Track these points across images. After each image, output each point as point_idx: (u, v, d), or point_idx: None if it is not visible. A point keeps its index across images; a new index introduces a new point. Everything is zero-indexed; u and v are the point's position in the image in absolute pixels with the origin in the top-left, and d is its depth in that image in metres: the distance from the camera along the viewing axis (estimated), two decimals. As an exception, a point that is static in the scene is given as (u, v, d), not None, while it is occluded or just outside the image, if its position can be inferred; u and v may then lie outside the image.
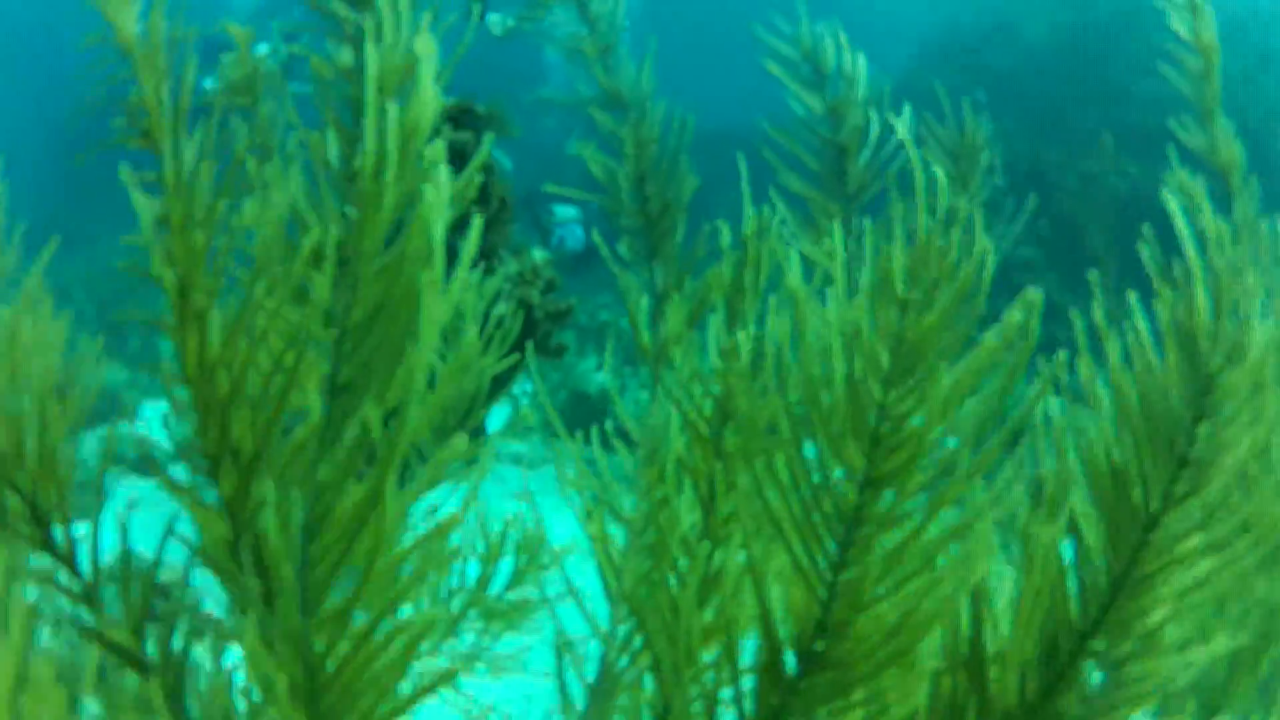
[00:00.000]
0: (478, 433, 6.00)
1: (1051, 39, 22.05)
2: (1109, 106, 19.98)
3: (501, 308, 5.35)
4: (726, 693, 1.96)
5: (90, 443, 9.14)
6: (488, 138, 5.22)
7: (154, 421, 10.60)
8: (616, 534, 2.84)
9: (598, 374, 11.79)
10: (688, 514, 2.40)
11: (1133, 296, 2.23)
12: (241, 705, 1.99)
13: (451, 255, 1.81)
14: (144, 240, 2.05)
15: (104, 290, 13.90)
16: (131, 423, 10.57)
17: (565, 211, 12.97)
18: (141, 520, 9.08)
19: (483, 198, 5.07)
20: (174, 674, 2.12)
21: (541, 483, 8.79)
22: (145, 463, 9.72)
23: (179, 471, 9.60)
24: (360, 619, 1.85)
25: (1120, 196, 17.56)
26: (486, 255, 5.19)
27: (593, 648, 2.83)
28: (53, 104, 22.28)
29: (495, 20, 9.16)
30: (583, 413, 9.65)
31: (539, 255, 5.51)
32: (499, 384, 5.78)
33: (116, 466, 8.83)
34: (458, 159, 5.29)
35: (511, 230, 5.42)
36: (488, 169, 5.07)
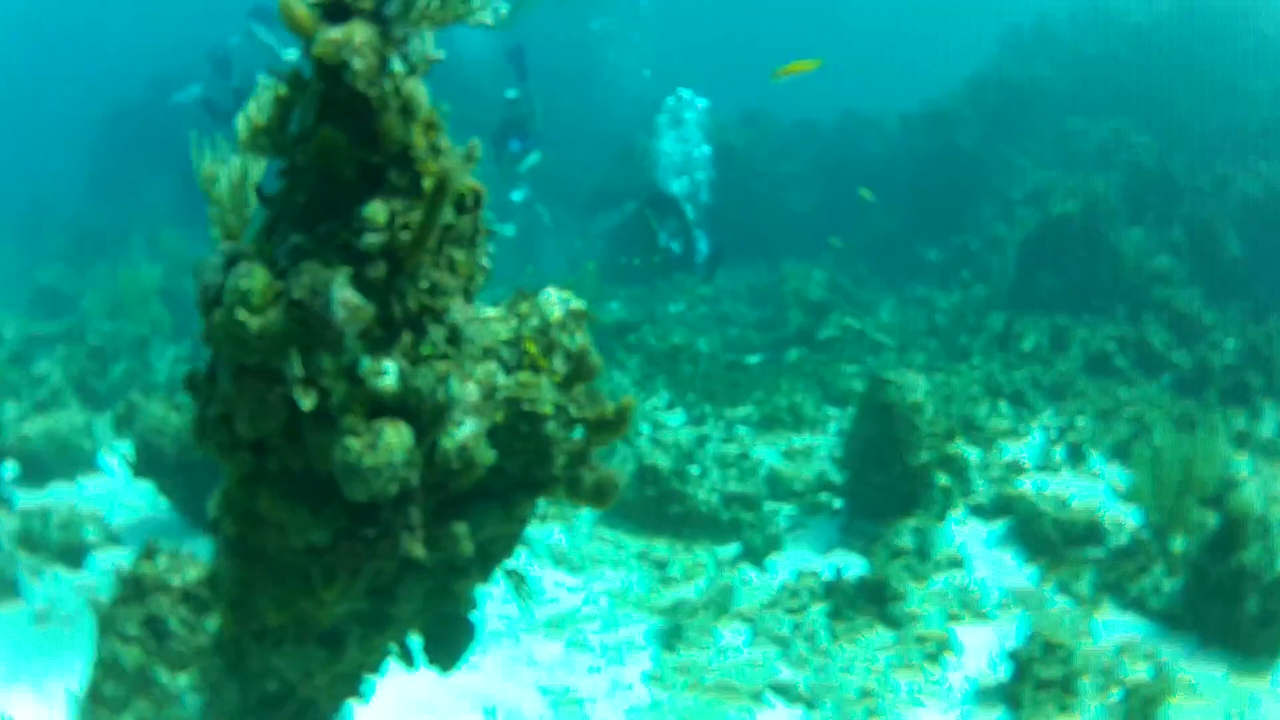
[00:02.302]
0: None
1: (1152, 29, 18.95)
2: (1227, 103, 16.87)
3: (465, 429, 2.56)
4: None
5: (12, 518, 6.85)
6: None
7: (115, 473, 8.10)
8: None
9: (670, 418, 8.89)
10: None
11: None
12: None
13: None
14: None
15: (115, 298, 11.85)
16: (84, 477, 8.08)
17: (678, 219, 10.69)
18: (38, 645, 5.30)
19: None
20: None
21: (594, 599, 5.96)
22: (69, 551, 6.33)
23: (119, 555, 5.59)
24: None
25: (1254, 199, 14.31)
26: (413, 323, 2.39)
27: None
28: (92, 110, 20.48)
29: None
30: (652, 494, 6.77)
31: (562, 304, 2.73)
32: (508, 543, 3.05)
33: (36, 555, 6.33)
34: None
35: (482, 276, 2.64)
36: (432, 135, 2.30)
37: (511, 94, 12.39)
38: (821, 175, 17.84)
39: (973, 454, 8.31)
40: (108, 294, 12.23)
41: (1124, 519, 7.69)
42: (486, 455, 2.55)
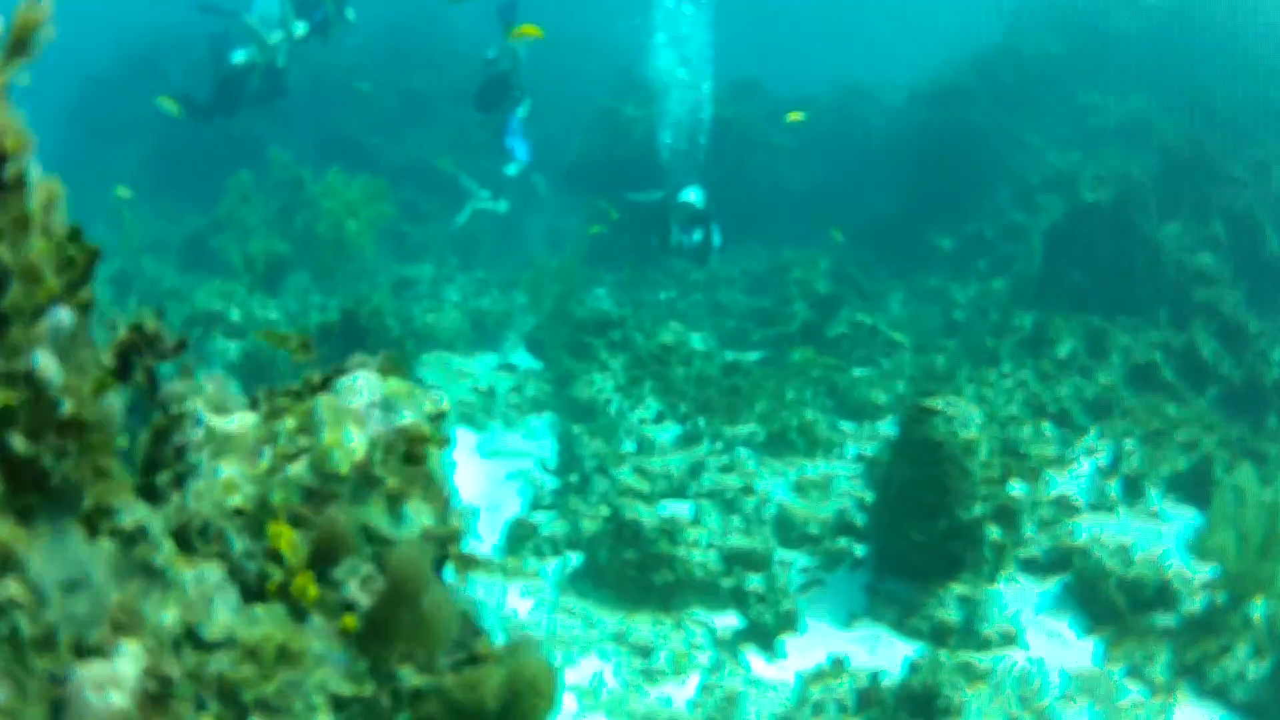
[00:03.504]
0: None
1: (1168, 2, 17.13)
2: (1255, 82, 15.20)
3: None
4: None
5: None
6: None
7: None
8: None
9: (659, 433, 7.32)
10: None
11: None
12: None
13: None
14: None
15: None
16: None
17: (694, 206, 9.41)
18: None
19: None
20: None
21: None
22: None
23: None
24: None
25: (1293, 192, 12.80)
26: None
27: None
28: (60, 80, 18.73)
29: None
30: (633, 557, 5.21)
31: (377, 418, 1.13)
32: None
33: None
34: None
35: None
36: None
37: (491, 54, 10.85)
38: (820, 151, 16.12)
39: (1016, 487, 6.78)
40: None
41: (1193, 574, 6.23)
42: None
